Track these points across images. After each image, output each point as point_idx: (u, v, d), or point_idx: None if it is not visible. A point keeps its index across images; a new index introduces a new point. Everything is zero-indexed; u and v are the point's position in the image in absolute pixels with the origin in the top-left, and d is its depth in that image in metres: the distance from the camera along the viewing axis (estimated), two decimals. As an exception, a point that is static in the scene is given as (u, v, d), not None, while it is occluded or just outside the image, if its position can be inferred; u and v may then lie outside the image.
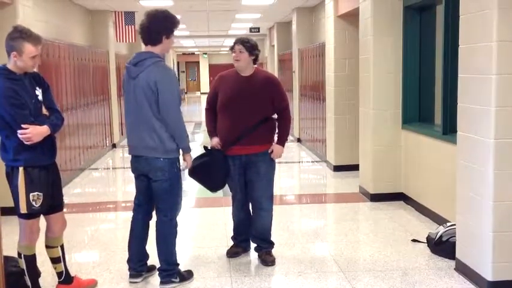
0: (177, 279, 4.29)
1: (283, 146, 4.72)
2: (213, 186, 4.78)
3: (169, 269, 4.27)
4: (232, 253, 4.94)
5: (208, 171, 4.62)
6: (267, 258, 4.76)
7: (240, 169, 4.67)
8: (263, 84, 4.61)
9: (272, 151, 4.65)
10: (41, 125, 3.77)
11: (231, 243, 5.04)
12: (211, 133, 4.75)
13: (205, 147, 4.69)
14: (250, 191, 4.73)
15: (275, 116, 4.72)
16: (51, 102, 3.99)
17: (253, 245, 4.93)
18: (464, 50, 4.34)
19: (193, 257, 4.99)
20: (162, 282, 4.27)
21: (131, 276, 4.37)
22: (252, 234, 4.88)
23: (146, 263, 4.44)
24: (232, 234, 5.05)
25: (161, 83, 3.97)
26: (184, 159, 4.25)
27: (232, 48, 4.66)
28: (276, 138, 4.75)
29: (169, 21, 4.09)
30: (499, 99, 3.93)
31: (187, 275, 4.41)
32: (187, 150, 4.19)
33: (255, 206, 4.79)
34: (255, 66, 4.71)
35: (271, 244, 4.89)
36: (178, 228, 4.32)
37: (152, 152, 4.07)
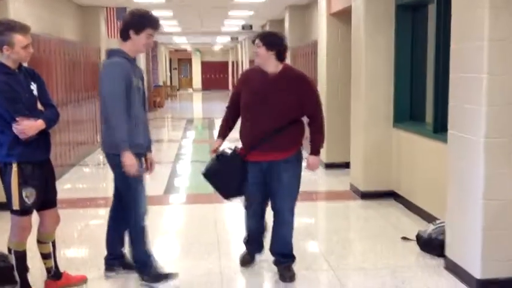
0: (149, 278, 4.22)
1: (318, 155, 4.32)
2: (226, 194, 4.41)
3: (140, 267, 4.25)
4: (246, 261, 4.62)
5: (222, 177, 4.28)
6: (285, 273, 4.35)
7: (260, 177, 4.25)
8: (291, 84, 4.17)
9: (308, 163, 4.32)
10: (36, 119, 3.75)
11: (221, 238, 4.96)
12: (219, 134, 4.43)
13: (234, 149, 4.33)
14: (271, 202, 4.35)
15: (304, 118, 4.29)
16: (47, 98, 3.98)
17: (271, 258, 4.49)
18: (455, 49, 4.35)
19: (183, 254, 4.98)
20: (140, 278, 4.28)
21: (105, 269, 4.41)
22: (271, 248, 4.46)
23: (120, 258, 4.42)
24: (244, 237, 4.71)
25: (101, 76, 4.03)
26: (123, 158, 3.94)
27: (253, 43, 4.32)
28: (304, 144, 4.34)
29: (141, 16, 4.06)
30: (490, 98, 3.94)
31: (164, 277, 4.25)
32: (120, 147, 3.91)
33: (276, 217, 4.35)
34: (284, 63, 4.27)
35: (292, 258, 4.45)
36: (146, 228, 4.22)
37: (108, 148, 4.10)
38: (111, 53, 4.17)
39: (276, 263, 4.44)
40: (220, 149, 4.36)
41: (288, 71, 4.26)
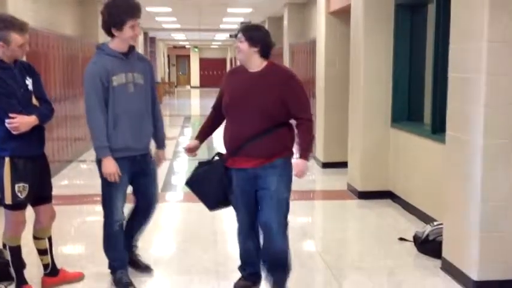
0: (115, 280, 4.17)
1: (306, 159, 3.79)
2: (208, 204, 4.00)
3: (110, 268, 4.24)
4: (240, 286, 4.11)
5: (204, 186, 3.91)
6: None
7: (246, 185, 3.80)
8: (274, 82, 3.71)
9: (294, 168, 3.80)
10: (29, 115, 3.74)
11: (218, 237, 4.91)
12: (198, 135, 4.05)
13: (218, 154, 3.94)
14: (259, 213, 3.85)
15: (293, 121, 3.83)
16: (42, 93, 3.96)
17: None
18: (454, 49, 4.35)
19: (180, 252, 4.97)
20: None
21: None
22: (261, 259, 4.00)
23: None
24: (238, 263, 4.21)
25: None
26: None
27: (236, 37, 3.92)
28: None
29: (117, 11, 3.82)
30: (489, 99, 3.94)
31: (123, 286, 4.12)
32: (97, 153, 3.92)
33: (263, 231, 3.86)
34: (269, 60, 3.81)
35: (283, 273, 3.92)
36: (119, 234, 4.16)
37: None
38: (96, 49, 4.07)
39: (266, 277, 4.01)
40: (198, 152, 4.04)
41: (272, 69, 3.80)
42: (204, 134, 4.07)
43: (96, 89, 3.83)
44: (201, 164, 3.97)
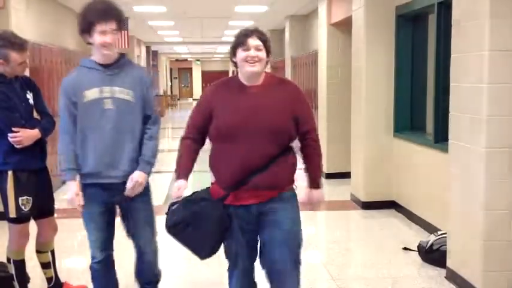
0: None
1: (321, 187, 3.15)
2: (202, 253, 3.19)
3: None
4: None
5: (196, 230, 3.06)
6: None
7: (249, 224, 3.05)
8: (285, 98, 3.03)
9: (307, 199, 3.16)
10: (32, 129, 3.76)
11: (221, 248, 4.26)
12: (181, 173, 3.11)
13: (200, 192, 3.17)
14: (267, 256, 3.07)
15: (294, 144, 3.08)
16: (43, 106, 3.99)
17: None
18: (456, 59, 4.36)
19: (183, 263, 4.96)
20: None
21: None
22: None
23: None
24: None
25: None
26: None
27: (242, 44, 2.97)
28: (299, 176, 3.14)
29: (84, 14, 3.29)
30: (491, 108, 3.94)
31: None
32: (64, 175, 3.35)
33: (272, 274, 3.10)
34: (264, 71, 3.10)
35: None
36: (98, 274, 3.65)
37: None
38: None
39: None
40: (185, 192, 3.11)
41: (274, 81, 3.11)
42: (189, 171, 3.17)
43: (63, 106, 3.33)
44: (187, 204, 3.10)
